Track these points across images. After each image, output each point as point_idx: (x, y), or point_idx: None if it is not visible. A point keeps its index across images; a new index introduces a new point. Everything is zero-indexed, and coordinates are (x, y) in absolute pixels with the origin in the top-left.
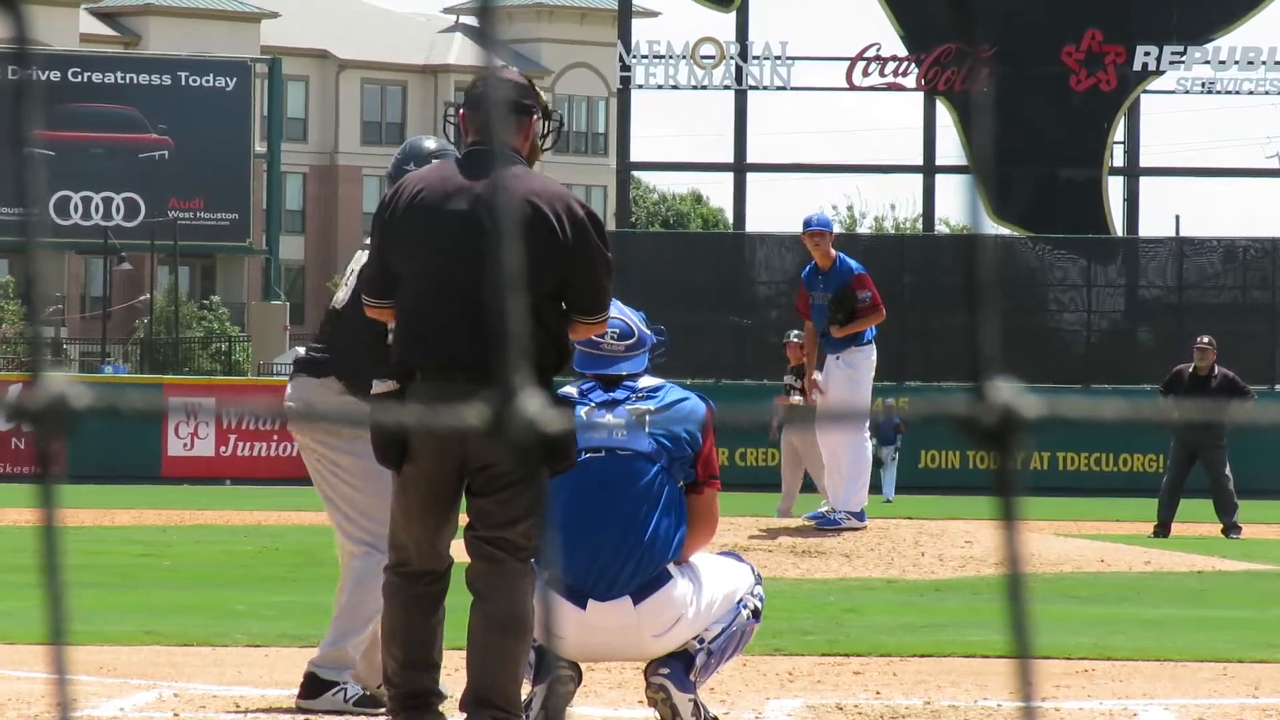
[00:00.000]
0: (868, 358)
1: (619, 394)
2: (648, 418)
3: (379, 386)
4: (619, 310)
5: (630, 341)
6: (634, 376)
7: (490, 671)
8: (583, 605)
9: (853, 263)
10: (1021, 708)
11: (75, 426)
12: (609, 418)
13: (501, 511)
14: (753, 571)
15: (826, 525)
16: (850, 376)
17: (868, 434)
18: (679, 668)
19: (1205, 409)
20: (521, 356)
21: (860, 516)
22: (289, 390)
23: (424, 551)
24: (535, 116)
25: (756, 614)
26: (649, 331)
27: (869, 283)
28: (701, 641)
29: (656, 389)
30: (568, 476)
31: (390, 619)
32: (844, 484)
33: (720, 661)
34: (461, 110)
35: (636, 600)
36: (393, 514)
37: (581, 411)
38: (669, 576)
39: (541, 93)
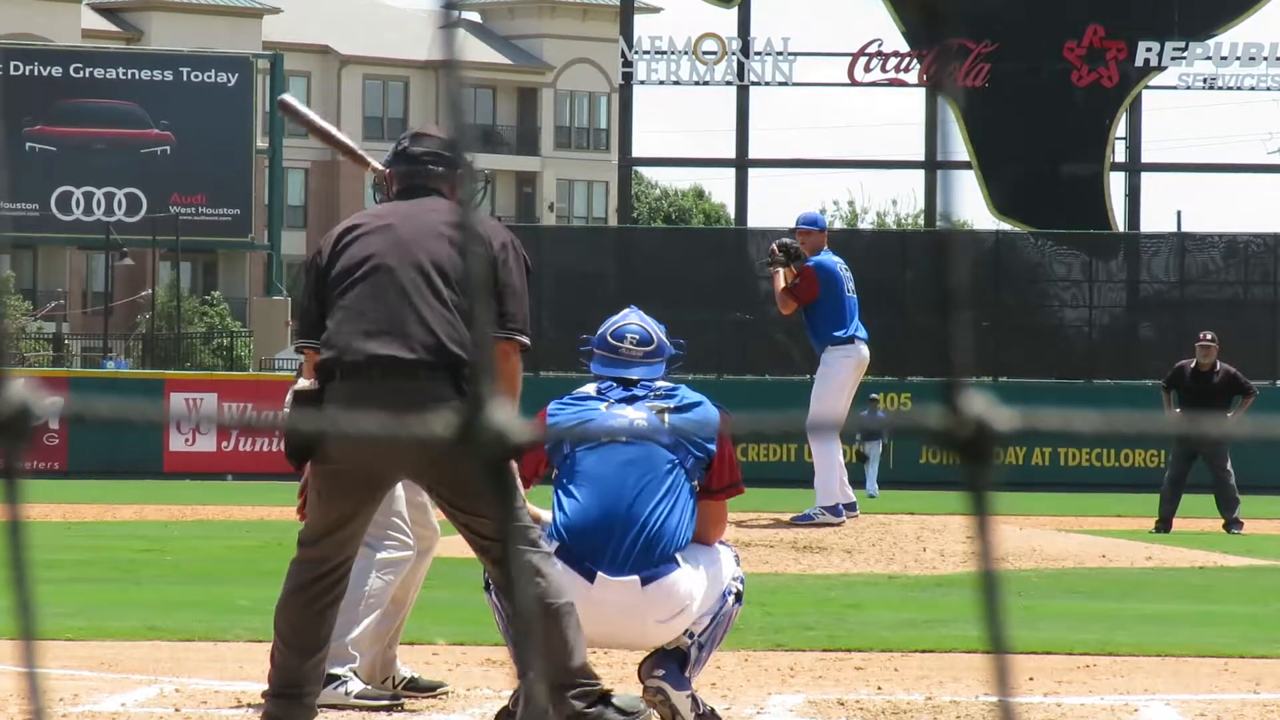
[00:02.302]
0: (846, 356)
1: (638, 391)
2: (667, 415)
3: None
4: (640, 318)
5: (649, 348)
6: (650, 381)
7: (552, 659)
8: (591, 579)
9: (822, 257)
10: (1000, 703)
11: (34, 434)
12: (630, 410)
13: (485, 525)
14: (734, 555)
15: (800, 521)
16: (825, 375)
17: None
18: (673, 668)
19: (1179, 422)
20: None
21: (835, 511)
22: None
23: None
24: (459, 170)
25: (739, 597)
26: (669, 343)
27: (806, 273)
28: (691, 635)
29: (673, 390)
30: (594, 450)
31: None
32: (816, 481)
33: (710, 651)
34: (388, 170)
35: (645, 582)
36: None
37: (600, 406)
38: (677, 565)
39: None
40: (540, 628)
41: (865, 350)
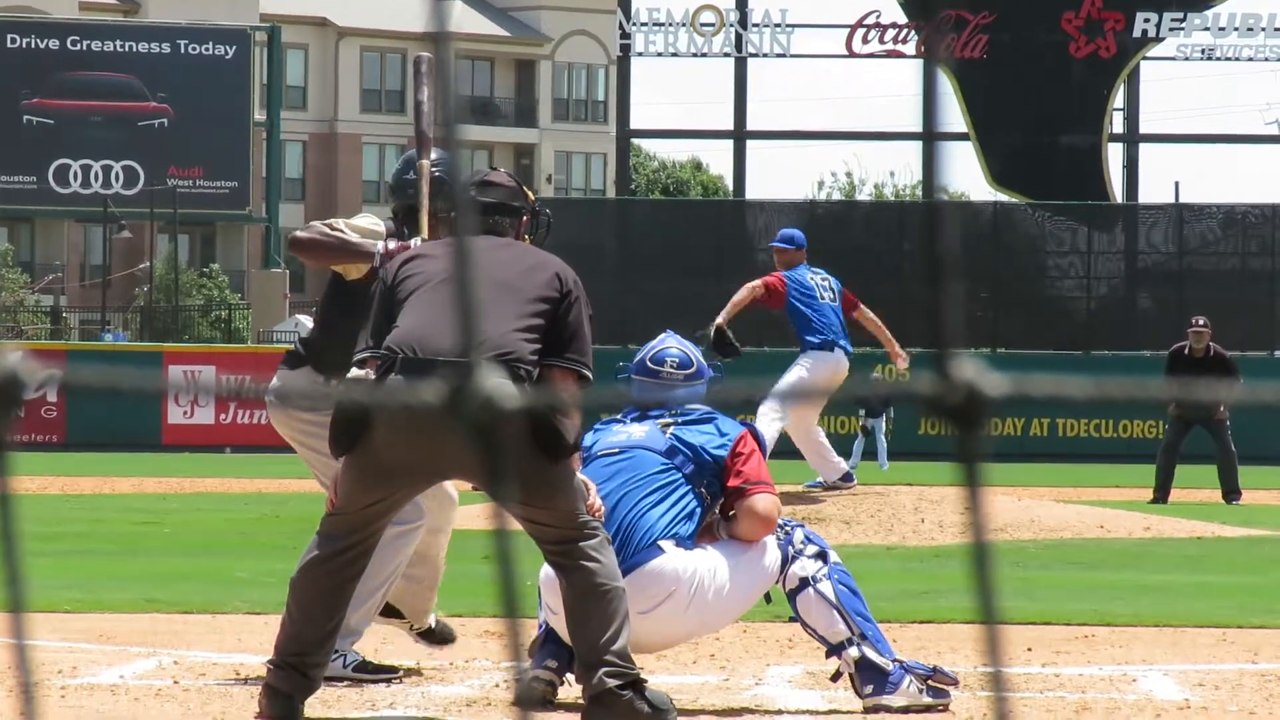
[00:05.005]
0: (820, 361)
1: (654, 412)
2: (671, 426)
3: (355, 373)
4: (679, 342)
5: (689, 371)
6: (685, 403)
7: (590, 637)
8: None
9: (794, 271)
10: (992, 673)
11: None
12: (635, 426)
13: (541, 514)
14: (779, 545)
15: (812, 486)
16: (794, 366)
17: (776, 417)
18: (878, 680)
19: (1170, 387)
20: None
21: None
22: (270, 384)
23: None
24: (524, 217)
25: (823, 556)
26: (708, 365)
27: (771, 283)
28: (850, 641)
29: (695, 410)
30: (588, 465)
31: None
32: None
33: (868, 624)
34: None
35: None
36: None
37: (615, 428)
38: (659, 552)
39: (531, 194)
40: (592, 604)
41: (842, 358)
